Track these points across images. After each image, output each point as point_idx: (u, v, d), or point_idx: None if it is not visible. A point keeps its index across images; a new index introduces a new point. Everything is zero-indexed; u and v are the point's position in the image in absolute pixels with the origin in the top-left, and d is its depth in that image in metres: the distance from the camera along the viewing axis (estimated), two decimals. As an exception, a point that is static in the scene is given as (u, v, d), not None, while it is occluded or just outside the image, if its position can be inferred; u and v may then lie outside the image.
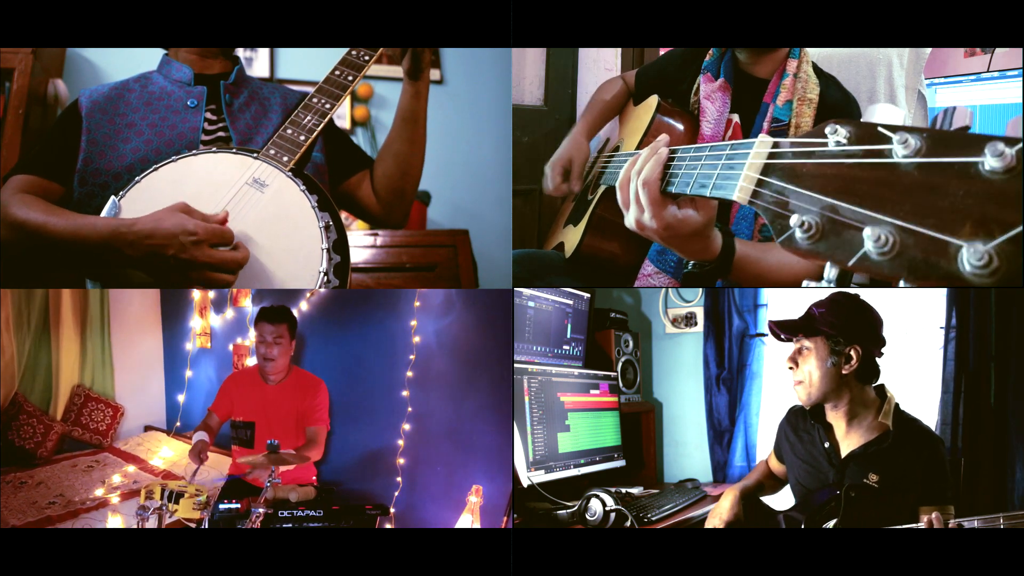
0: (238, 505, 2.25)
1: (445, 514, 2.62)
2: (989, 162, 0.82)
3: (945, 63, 3.00)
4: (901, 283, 0.88)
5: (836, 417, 1.98)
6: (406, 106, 2.23)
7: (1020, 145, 0.81)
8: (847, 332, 1.93)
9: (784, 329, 2.01)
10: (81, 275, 1.90)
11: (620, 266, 2.31)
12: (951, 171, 0.86)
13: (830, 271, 0.98)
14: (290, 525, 2.21)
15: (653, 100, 2.32)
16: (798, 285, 1.94)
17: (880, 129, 0.96)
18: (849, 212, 0.94)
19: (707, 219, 1.53)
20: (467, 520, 2.48)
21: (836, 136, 1.01)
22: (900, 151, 0.91)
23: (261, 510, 2.13)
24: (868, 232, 0.90)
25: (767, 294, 2.94)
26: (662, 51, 3.29)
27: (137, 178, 1.88)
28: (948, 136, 0.89)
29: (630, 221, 1.54)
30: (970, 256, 0.80)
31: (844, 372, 1.92)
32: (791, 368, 2.00)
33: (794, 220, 1.01)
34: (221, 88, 2.17)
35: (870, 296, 1.99)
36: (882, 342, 1.96)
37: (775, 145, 1.14)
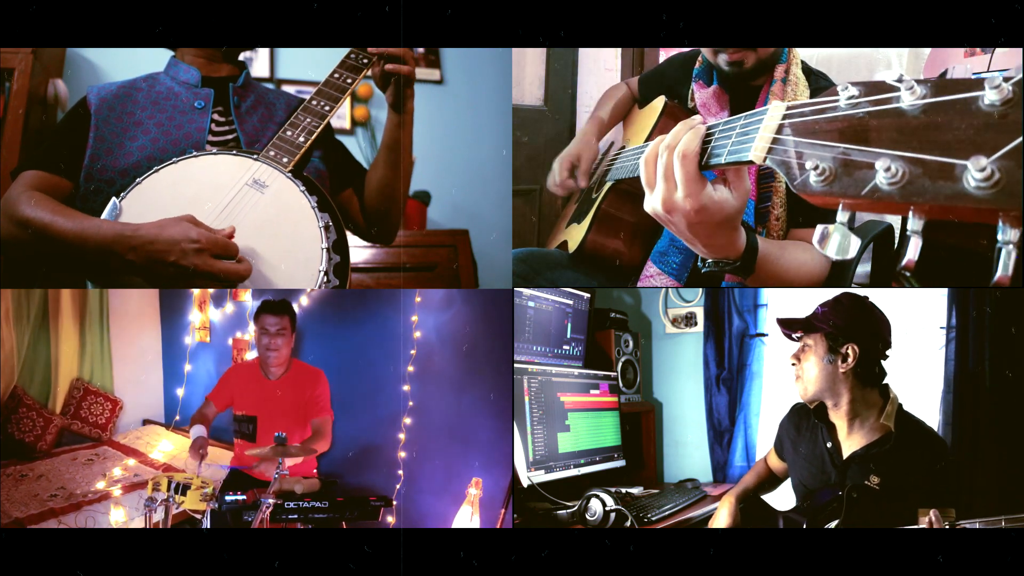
0: (244, 497, 2.26)
1: (444, 506, 2.63)
2: (988, 96, 0.90)
3: (945, 63, 2.99)
4: (910, 219, 0.95)
5: (838, 417, 1.98)
6: (390, 135, 2.23)
7: (1017, 78, 0.89)
8: (845, 330, 1.94)
9: (787, 326, 2.03)
10: (82, 277, 1.90)
11: (623, 264, 2.30)
12: (954, 109, 0.93)
13: (842, 213, 1.04)
14: (296, 516, 2.23)
15: (660, 101, 2.33)
16: (809, 285, 1.95)
17: (888, 82, 1.02)
18: (860, 153, 1.00)
19: (741, 204, 1.42)
20: (466, 512, 2.49)
21: (847, 93, 1.07)
22: (907, 97, 0.98)
23: (271, 501, 2.15)
24: (879, 165, 0.96)
25: (767, 294, 2.94)
26: (662, 52, 3.27)
27: (138, 179, 1.89)
28: (951, 81, 0.96)
29: (655, 202, 1.43)
30: (973, 170, 0.87)
31: (841, 370, 1.93)
32: (794, 364, 2.02)
33: (808, 164, 1.06)
34: (230, 90, 2.18)
35: (875, 297, 1.99)
36: (885, 344, 1.97)
37: (788, 108, 1.19)
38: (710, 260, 1.58)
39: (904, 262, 0.98)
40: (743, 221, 1.55)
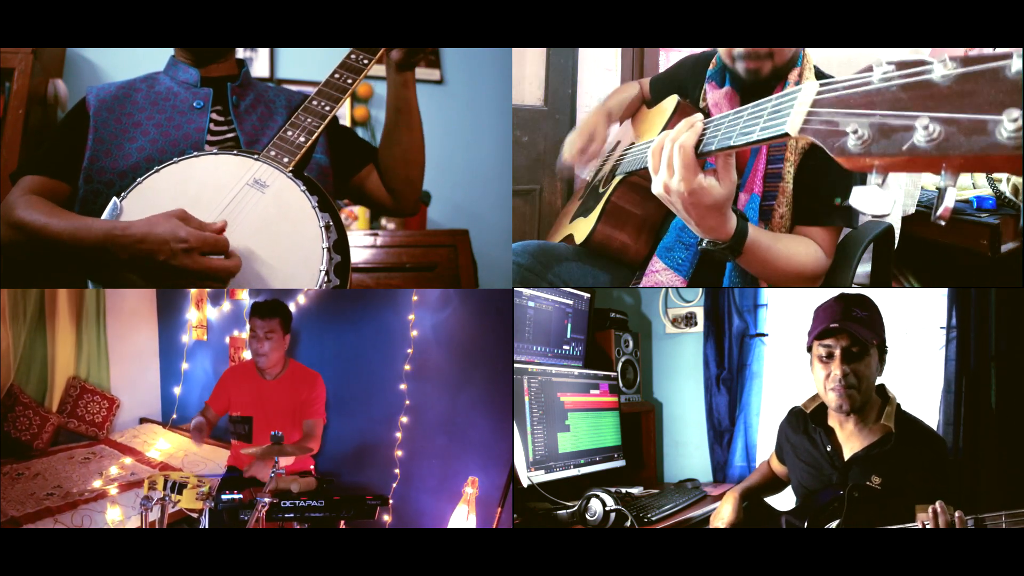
0: (240, 496, 2.26)
1: (441, 505, 2.63)
2: (1015, 64, 0.97)
3: (945, 63, 2.99)
4: (942, 175, 1.03)
5: (840, 420, 1.98)
6: (400, 96, 2.24)
7: None
8: (883, 335, 1.95)
9: (859, 335, 1.91)
10: (82, 277, 1.90)
11: (629, 256, 2.31)
12: (983, 78, 1.00)
13: (876, 176, 1.11)
14: (293, 515, 2.24)
15: (672, 100, 2.33)
16: (802, 279, 1.97)
17: (921, 58, 1.08)
18: (897, 118, 1.07)
19: (727, 192, 1.61)
20: (463, 511, 2.49)
21: (881, 69, 1.12)
22: (939, 70, 1.04)
23: (267, 499, 2.15)
24: (919, 124, 1.03)
25: (767, 294, 2.95)
26: (662, 52, 3.26)
27: (139, 179, 1.88)
28: (979, 56, 1.02)
29: (657, 186, 1.63)
30: (1007, 121, 0.95)
31: (878, 375, 1.95)
32: (846, 373, 1.90)
33: (849, 128, 1.12)
34: (228, 90, 2.17)
35: (875, 297, 1.99)
36: None
37: (822, 85, 1.24)
38: (706, 240, 1.78)
39: (940, 211, 1.10)
40: (741, 212, 1.81)
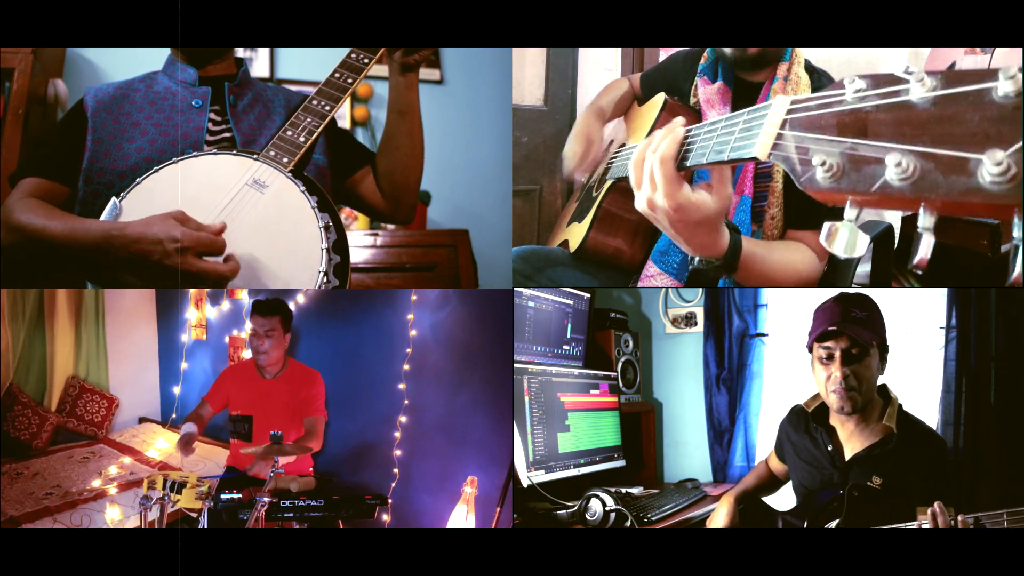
0: (239, 495, 2.26)
1: (440, 505, 2.63)
2: (1002, 87, 0.87)
3: (945, 63, 2.99)
4: (921, 215, 0.92)
5: (841, 420, 1.97)
6: (402, 99, 2.23)
7: None
8: (883, 334, 1.94)
9: (858, 336, 1.89)
10: (81, 278, 1.90)
11: (625, 262, 2.30)
12: (966, 101, 0.90)
13: (850, 210, 1.01)
14: (292, 515, 2.24)
15: (660, 98, 2.32)
16: (799, 285, 1.96)
17: (897, 75, 0.98)
18: (868, 148, 0.97)
19: (719, 207, 1.50)
20: (462, 511, 2.49)
21: (854, 86, 1.03)
22: (917, 90, 0.94)
23: (266, 499, 2.15)
24: (889, 159, 0.93)
25: (767, 294, 2.94)
26: (662, 52, 3.26)
27: (138, 179, 1.89)
28: (961, 73, 0.92)
29: (641, 202, 1.52)
30: (989, 164, 0.85)
31: (880, 375, 1.94)
32: (846, 375, 1.89)
33: (815, 160, 1.03)
34: (225, 89, 2.16)
35: (875, 297, 1.98)
36: None
37: (793, 102, 1.16)
38: (698, 259, 1.65)
39: (916, 260, 0.97)
40: (731, 223, 1.66)
